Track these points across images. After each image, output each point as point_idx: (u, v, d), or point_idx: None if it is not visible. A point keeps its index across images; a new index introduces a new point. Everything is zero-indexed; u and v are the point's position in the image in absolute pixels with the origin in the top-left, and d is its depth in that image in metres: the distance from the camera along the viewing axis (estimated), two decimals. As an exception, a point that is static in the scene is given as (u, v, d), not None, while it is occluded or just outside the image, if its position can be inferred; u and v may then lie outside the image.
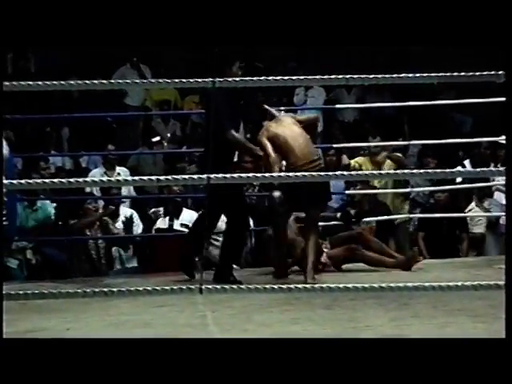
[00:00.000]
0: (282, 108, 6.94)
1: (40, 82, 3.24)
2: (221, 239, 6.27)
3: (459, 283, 3.11)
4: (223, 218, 5.98)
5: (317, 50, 9.64)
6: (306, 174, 4.02)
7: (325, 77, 3.35)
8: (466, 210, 7.98)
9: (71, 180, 3.21)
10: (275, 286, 3.18)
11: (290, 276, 5.86)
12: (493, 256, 7.36)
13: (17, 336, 3.68)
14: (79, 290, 3.17)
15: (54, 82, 3.25)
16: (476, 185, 7.69)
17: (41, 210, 7.34)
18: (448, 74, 3.30)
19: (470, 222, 7.96)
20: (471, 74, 3.25)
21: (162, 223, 7.46)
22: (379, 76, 3.31)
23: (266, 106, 5.99)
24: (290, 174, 4.19)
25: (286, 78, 3.28)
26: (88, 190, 7.63)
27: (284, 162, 5.72)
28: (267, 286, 3.13)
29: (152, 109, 10.48)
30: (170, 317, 4.50)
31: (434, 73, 3.35)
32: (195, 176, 3.69)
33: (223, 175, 3.36)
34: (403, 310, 4.45)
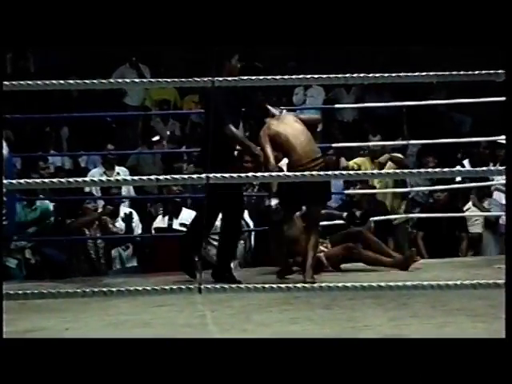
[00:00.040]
0: (282, 108, 6.92)
1: (39, 82, 3.23)
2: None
3: (458, 282, 3.09)
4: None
5: (317, 49, 9.63)
6: (305, 173, 4.01)
7: (324, 76, 3.34)
8: (464, 210, 7.98)
9: (70, 180, 3.20)
10: (274, 286, 3.17)
11: (295, 273, 5.84)
12: (492, 256, 7.36)
13: (16, 336, 3.67)
14: (78, 290, 3.16)
15: (54, 82, 3.23)
16: (475, 184, 7.70)
17: (40, 210, 7.32)
18: (447, 73, 3.29)
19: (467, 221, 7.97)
20: (470, 73, 3.25)
21: (161, 222, 7.46)
22: (378, 75, 3.30)
23: (268, 106, 5.97)
24: (290, 173, 4.18)
25: (286, 77, 3.27)
26: (87, 189, 7.63)
27: (286, 160, 5.69)
28: (266, 286, 3.13)
29: (151, 108, 10.49)
30: (169, 316, 4.49)
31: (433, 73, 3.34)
32: (194, 176, 3.68)
33: (222, 175, 3.35)
34: (402, 309, 4.45)
